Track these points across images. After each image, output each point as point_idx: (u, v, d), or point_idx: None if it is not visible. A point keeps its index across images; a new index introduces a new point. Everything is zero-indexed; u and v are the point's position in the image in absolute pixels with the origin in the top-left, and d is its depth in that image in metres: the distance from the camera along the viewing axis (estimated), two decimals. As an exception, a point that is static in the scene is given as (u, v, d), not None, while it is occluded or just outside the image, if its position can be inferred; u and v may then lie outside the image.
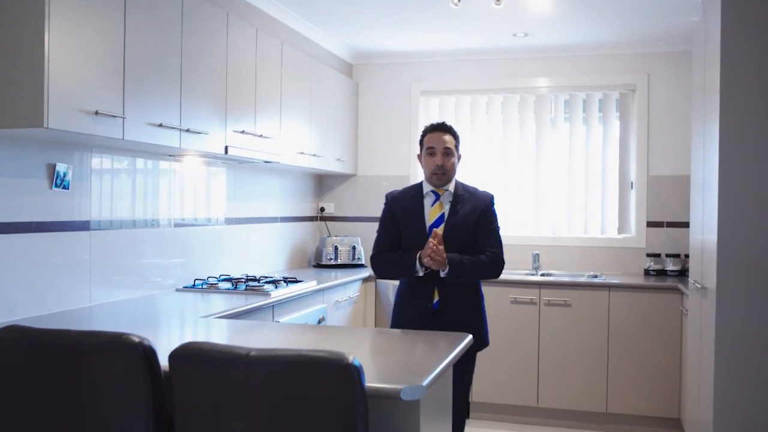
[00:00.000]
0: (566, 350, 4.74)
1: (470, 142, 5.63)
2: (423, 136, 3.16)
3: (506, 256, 5.34)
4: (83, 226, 3.17)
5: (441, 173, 3.08)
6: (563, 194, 5.47)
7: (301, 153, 4.58)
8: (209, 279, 3.95)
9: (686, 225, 4.71)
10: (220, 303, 3.36)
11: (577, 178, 5.44)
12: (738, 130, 3.01)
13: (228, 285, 3.84)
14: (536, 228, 5.51)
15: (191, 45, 3.28)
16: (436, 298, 3.05)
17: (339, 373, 1.54)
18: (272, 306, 3.48)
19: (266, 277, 4.10)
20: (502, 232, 5.39)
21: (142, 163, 3.63)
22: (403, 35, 5.18)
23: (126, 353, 1.72)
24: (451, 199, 3.10)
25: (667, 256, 5.08)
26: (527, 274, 5.21)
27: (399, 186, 5.74)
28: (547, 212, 5.50)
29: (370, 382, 1.74)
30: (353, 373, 1.53)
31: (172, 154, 3.70)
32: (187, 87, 3.25)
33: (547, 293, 4.79)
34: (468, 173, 5.63)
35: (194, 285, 3.85)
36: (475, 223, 3.07)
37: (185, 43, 3.24)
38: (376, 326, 5.05)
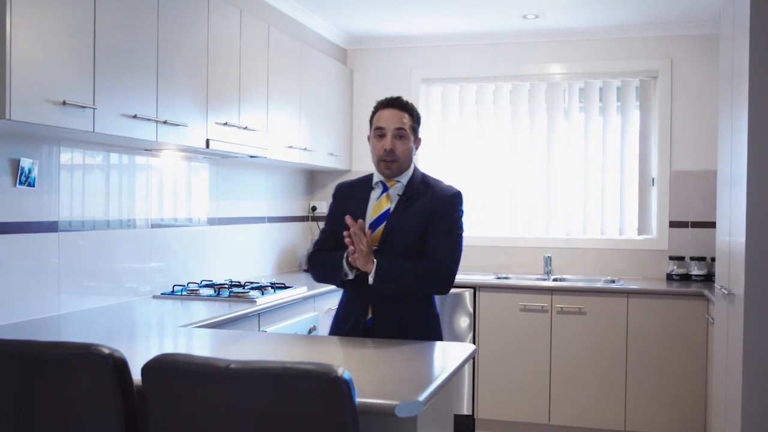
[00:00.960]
0: (580, 362, 4.75)
1: (476, 134, 5.64)
2: (373, 114, 2.78)
3: (515, 259, 5.53)
4: (51, 227, 3.17)
5: (390, 160, 2.68)
6: (577, 192, 5.48)
7: (290, 147, 4.59)
8: (189, 285, 3.95)
9: (713, 225, 4.72)
10: (200, 311, 3.36)
11: (593, 173, 5.45)
12: (768, 121, 3.02)
13: (210, 291, 3.85)
14: (548, 229, 5.52)
15: (169, 28, 3.29)
16: (369, 315, 2.68)
17: (327, 387, 1.54)
18: (258, 314, 3.49)
19: (252, 283, 4.10)
20: (509, 233, 5.59)
21: (117, 158, 3.63)
22: (403, 18, 5.18)
23: (95, 366, 1.72)
24: (400, 193, 2.72)
25: (692, 259, 5.09)
26: (538, 279, 5.22)
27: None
28: (560, 211, 5.51)
29: (363, 397, 1.74)
30: (342, 387, 1.54)
31: (149, 149, 3.70)
32: (164, 75, 3.25)
33: (560, 300, 4.79)
34: (473, 169, 5.64)
35: (173, 291, 3.85)
36: (425, 223, 2.66)
37: (162, 27, 3.24)
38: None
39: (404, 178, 2.74)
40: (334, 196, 2.90)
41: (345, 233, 2.55)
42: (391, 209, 2.70)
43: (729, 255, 3.50)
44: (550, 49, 5.49)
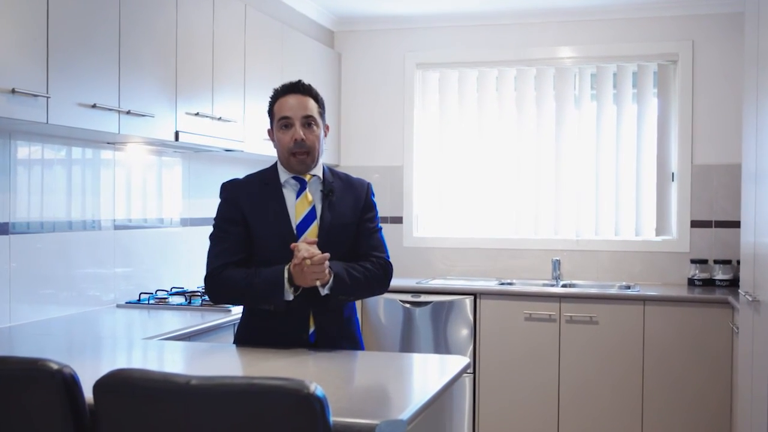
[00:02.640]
0: (592, 377, 4.75)
1: (477, 125, 5.64)
2: (273, 103, 2.71)
3: (520, 262, 5.54)
4: (2, 229, 3.17)
5: (303, 152, 2.62)
6: (589, 188, 5.48)
7: (270, 140, 4.58)
8: (158, 292, 3.95)
9: (739, 225, 4.72)
10: (169, 321, 3.37)
11: (607, 168, 5.45)
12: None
13: (181, 300, 3.86)
14: (556, 229, 5.52)
15: (132, 9, 3.28)
16: (312, 328, 2.63)
17: (298, 405, 1.54)
18: (233, 324, 3.47)
19: (227, 290, 4.10)
20: (514, 234, 5.61)
21: (80, 153, 3.65)
22: (395, -4, 5.18)
23: (42, 383, 1.72)
24: (321, 189, 2.69)
25: (716, 262, 5.10)
26: (545, 285, 5.23)
27: (394, 179, 5.87)
28: (570, 210, 5.51)
29: (340, 416, 1.74)
30: (315, 405, 1.53)
31: (112, 142, 3.70)
32: (127, 60, 3.25)
33: (569, 308, 4.80)
34: (474, 163, 5.64)
35: (139, 300, 3.86)
36: (356, 220, 2.69)
37: (124, 7, 3.23)
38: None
39: (318, 172, 2.72)
40: (229, 198, 2.72)
41: (302, 250, 2.47)
42: (319, 207, 2.66)
43: (754, 257, 3.50)
44: (559, 31, 5.49)
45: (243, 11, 4.25)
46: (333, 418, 1.69)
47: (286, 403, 1.55)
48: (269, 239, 2.63)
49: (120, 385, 1.65)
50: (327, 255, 2.48)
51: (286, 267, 2.51)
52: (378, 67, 5.81)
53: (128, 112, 3.24)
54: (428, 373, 2.32)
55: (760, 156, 3.36)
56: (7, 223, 3.20)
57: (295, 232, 2.63)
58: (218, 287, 2.61)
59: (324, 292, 2.53)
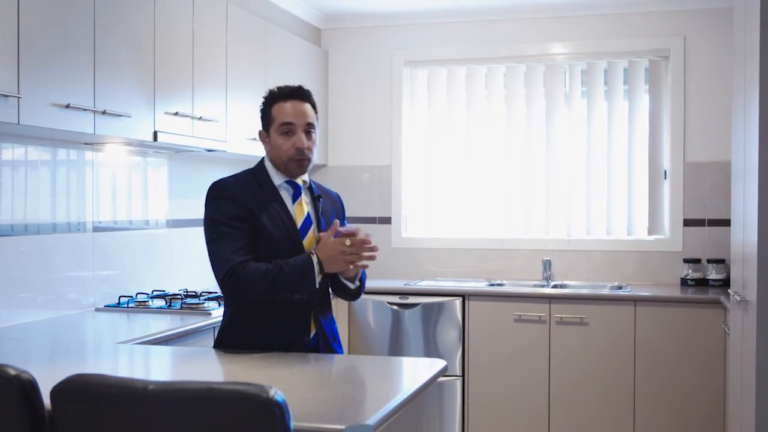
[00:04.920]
0: (583, 379, 4.75)
1: (466, 123, 5.64)
2: (270, 105, 2.71)
3: (510, 263, 5.53)
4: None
5: (303, 159, 2.66)
6: (580, 187, 5.47)
7: (254, 139, 4.55)
8: (138, 296, 3.94)
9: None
10: (147, 325, 3.36)
11: (598, 166, 5.44)
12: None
13: (161, 303, 3.84)
14: (547, 229, 5.51)
15: (107, 5, 3.27)
16: (314, 331, 2.67)
17: (256, 410, 1.53)
18: (213, 328, 3.46)
19: (209, 293, 4.09)
20: (504, 234, 5.60)
21: (57, 154, 3.65)
22: (382, -8, 5.18)
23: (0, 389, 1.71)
24: (310, 195, 2.77)
25: (709, 261, 5.09)
26: (536, 286, 5.22)
27: (382, 179, 5.86)
28: (561, 209, 5.51)
29: (307, 420, 1.74)
30: (274, 411, 1.52)
31: (90, 142, 3.70)
32: (102, 59, 3.24)
33: (559, 309, 4.79)
34: (464, 162, 5.63)
35: (119, 303, 3.85)
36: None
37: (99, 5, 3.22)
38: (349, 352, 5.04)
39: (306, 177, 2.77)
40: (233, 197, 2.64)
41: (357, 234, 2.58)
42: (311, 212, 2.73)
43: (743, 257, 3.50)
44: (549, 27, 5.49)
45: (224, 8, 4.24)
46: (300, 423, 1.69)
47: (245, 408, 1.54)
48: (278, 240, 2.62)
49: (77, 390, 1.64)
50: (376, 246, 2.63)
51: (314, 252, 2.56)
52: (366, 64, 5.80)
53: (104, 112, 3.23)
54: (402, 377, 2.31)
55: (748, 153, 3.35)
56: (-20, 226, 3.20)
57: (299, 236, 2.66)
58: (244, 281, 2.52)
59: (355, 284, 2.72)
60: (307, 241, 2.65)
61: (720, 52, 5.16)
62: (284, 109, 2.67)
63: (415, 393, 2.07)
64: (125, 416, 1.61)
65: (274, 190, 2.69)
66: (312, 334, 2.66)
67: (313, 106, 2.74)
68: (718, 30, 5.16)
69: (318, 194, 2.77)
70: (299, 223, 2.67)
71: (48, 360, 2.67)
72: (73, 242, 3.72)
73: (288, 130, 2.65)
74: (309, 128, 2.68)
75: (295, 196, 2.71)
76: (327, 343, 2.68)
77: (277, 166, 2.71)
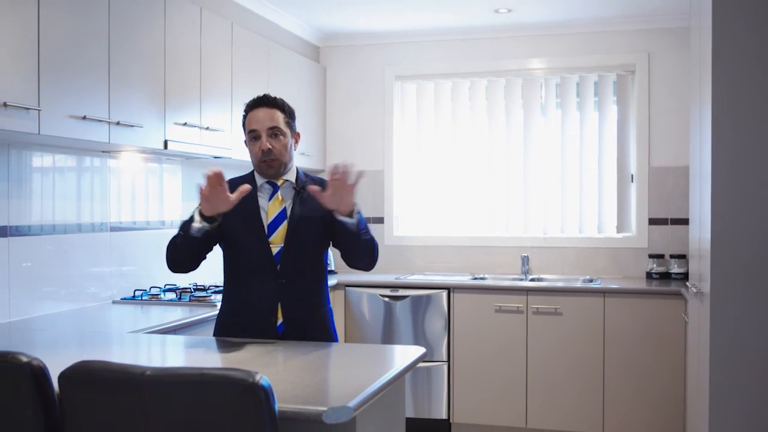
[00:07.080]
0: (557, 364, 4.74)
1: (452, 131, 5.63)
2: (244, 118, 2.75)
3: (492, 259, 5.53)
4: (1, 231, 3.16)
5: (270, 159, 2.66)
6: (555, 189, 5.47)
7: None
8: (151, 289, 3.94)
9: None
10: (158, 316, 3.36)
11: (571, 170, 5.44)
12: (732, 114, 3.00)
13: (172, 296, 3.84)
14: (525, 227, 5.51)
15: (121, 25, 3.26)
16: (280, 320, 2.65)
17: (244, 394, 1.53)
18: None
19: (217, 286, 4.08)
20: (488, 233, 5.57)
21: (77, 161, 3.65)
22: (377, 13, 5.17)
23: (13, 375, 1.71)
24: (294, 191, 2.73)
25: (672, 257, 5.08)
26: (515, 279, 5.21)
27: (375, 183, 5.84)
28: (538, 210, 5.50)
29: (293, 403, 1.73)
30: (259, 394, 1.52)
31: (107, 150, 3.69)
32: (116, 74, 3.23)
33: (535, 300, 4.78)
34: (449, 167, 5.63)
35: (134, 296, 3.84)
36: (328, 216, 2.63)
37: (114, 23, 3.21)
38: (345, 340, 5.03)
39: (291, 177, 2.77)
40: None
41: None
42: (290, 206, 2.71)
43: (699, 252, 3.49)
44: (525, 44, 5.48)
45: (230, 29, 4.23)
46: (284, 405, 1.69)
47: (233, 392, 1.54)
48: (245, 232, 2.67)
49: (81, 376, 1.64)
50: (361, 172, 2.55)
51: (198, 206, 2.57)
52: (360, 79, 5.80)
53: (118, 123, 3.23)
54: (385, 363, 2.31)
55: (703, 158, 3.35)
56: (5, 227, 3.18)
57: (266, 229, 2.68)
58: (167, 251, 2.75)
59: (349, 222, 2.58)
60: (278, 233, 2.67)
61: (680, 67, 5.16)
62: (250, 118, 2.72)
63: (394, 377, 2.06)
64: (124, 400, 1.61)
65: (253, 191, 2.68)
66: (279, 323, 2.64)
67: (282, 110, 2.73)
68: (678, 47, 5.16)
69: (301, 187, 2.72)
70: (270, 219, 2.69)
71: (66, 347, 2.66)
72: (94, 241, 3.72)
73: (254, 136, 2.70)
74: (274, 131, 2.69)
75: (272, 195, 2.72)
76: (298, 331, 2.64)
77: (256, 169, 2.77)
